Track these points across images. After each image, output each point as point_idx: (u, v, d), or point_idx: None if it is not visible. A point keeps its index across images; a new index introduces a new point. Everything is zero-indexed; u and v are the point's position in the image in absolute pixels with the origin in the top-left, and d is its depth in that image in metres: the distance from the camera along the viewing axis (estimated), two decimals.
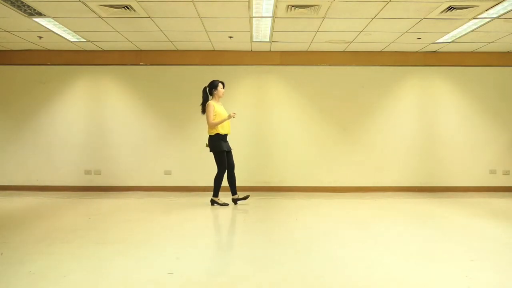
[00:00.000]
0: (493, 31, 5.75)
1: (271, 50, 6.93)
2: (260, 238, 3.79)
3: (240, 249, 3.54)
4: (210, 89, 5.45)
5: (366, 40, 6.27)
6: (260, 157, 7.04)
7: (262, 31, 5.84)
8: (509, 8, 4.78)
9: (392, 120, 7.11)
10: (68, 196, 6.46)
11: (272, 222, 4.56)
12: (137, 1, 4.65)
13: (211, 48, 6.88)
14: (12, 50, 6.96)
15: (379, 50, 6.92)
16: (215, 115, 5.31)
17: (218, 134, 5.34)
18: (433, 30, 5.74)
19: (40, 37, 6.17)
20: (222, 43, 6.55)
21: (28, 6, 4.82)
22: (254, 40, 6.31)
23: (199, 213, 5.07)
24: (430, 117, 7.13)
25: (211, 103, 5.35)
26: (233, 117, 5.32)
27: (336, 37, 6.16)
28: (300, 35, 6.05)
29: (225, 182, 5.44)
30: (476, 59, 7.02)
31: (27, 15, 5.14)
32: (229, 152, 5.47)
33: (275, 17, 5.21)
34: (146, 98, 7.11)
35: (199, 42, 6.45)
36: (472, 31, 5.73)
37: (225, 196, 5.62)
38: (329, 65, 7.07)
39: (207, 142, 5.43)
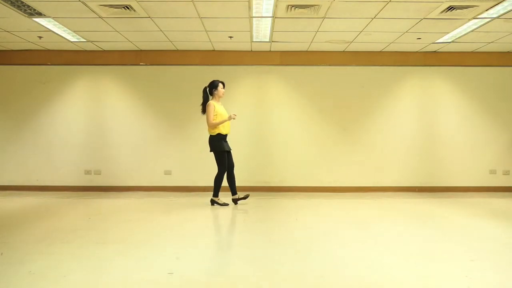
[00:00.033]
0: (493, 31, 5.75)
1: (271, 50, 6.93)
2: (260, 238, 3.79)
3: (240, 249, 3.54)
4: (210, 89, 5.45)
5: (366, 40, 6.27)
6: (260, 157, 7.04)
7: (262, 31, 5.84)
8: (509, 8, 4.78)
9: (392, 120, 7.11)
10: (68, 196, 6.46)
11: (272, 222, 4.56)
12: (137, 1, 4.65)
13: (211, 48, 6.88)
14: (12, 50, 6.96)
15: (379, 50, 6.92)
16: (216, 115, 5.30)
17: (219, 134, 5.34)
18: (433, 30, 5.74)
19: (40, 37, 6.17)
20: (222, 43, 6.55)
21: (28, 6, 4.82)
22: (254, 40, 6.31)
23: (199, 213, 5.07)
24: (430, 117, 7.13)
25: (212, 103, 5.35)
26: (233, 118, 5.32)
27: (336, 37, 6.16)
28: (300, 35, 6.05)
29: (225, 182, 5.44)
30: (476, 59, 7.02)
31: (27, 15, 5.14)
32: (229, 152, 5.47)
33: (275, 17, 5.21)
34: (146, 98, 7.11)
35: (199, 42, 6.45)
36: (472, 31, 5.73)
37: (225, 196, 5.61)
38: (329, 65, 7.07)
39: (208, 141, 5.42)
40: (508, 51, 6.95)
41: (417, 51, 7.00)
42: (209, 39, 6.27)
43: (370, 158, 7.07)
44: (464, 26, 5.55)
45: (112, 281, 2.61)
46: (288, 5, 4.78)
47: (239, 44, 6.56)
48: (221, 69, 6.95)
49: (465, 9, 4.85)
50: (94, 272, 2.78)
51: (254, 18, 5.27)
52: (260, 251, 3.33)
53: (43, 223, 4.42)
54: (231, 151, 5.51)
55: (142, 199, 6.18)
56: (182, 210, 5.26)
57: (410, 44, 6.53)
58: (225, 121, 5.32)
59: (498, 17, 5.11)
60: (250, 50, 6.96)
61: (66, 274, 2.71)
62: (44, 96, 7.10)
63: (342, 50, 6.93)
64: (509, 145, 7.10)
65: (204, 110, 5.42)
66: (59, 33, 5.90)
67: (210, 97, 5.45)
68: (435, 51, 6.99)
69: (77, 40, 6.34)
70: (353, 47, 6.75)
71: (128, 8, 4.85)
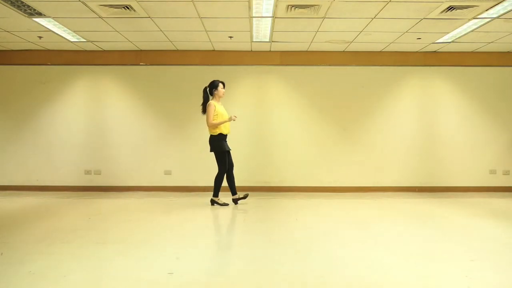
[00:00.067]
0: (493, 31, 5.74)
1: (271, 50, 6.93)
2: (260, 238, 3.80)
3: (240, 249, 3.54)
4: (211, 89, 5.45)
5: (366, 40, 6.27)
6: (260, 157, 7.04)
7: (262, 31, 5.84)
8: (509, 8, 4.78)
9: (392, 120, 7.11)
10: (68, 196, 6.46)
11: (272, 222, 4.56)
12: (137, 1, 4.65)
13: (211, 48, 6.88)
14: (12, 50, 6.96)
15: (379, 50, 6.92)
16: (216, 115, 5.30)
17: (221, 134, 5.35)
18: (433, 30, 5.74)
19: (40, 37, 6.17)
20: (222, 43, 6.55)
21: (28, 6, 4.82)
22: (254, 40, 6.31)
23: (199, 213, 5.07)
24: (430, 117, 7.13)
25: (212, 103, 5.34)
26: (234, 119, 5.32)
27: (336, 37, 6.16)
28: (300, 35, 6.05)
29: (224, 182, 5.44)
30: (476, 59, 7.02)
31: (27, 15, 5.14)
32: (228, 152, 5.47)
33: (275, 17, 5.21)
34: (146, 98, 7.11)
35: (199, 42, 6.45)
36: (472, 31, 5.73)
37: (225, 196, 5.62)
38: (329, 65, 7.07)
39: (208, 141, 5.42)
40: (508, 51, 6.95)
41: (417, 51, 7.00)
42: (209, 39, 6.27)
43: (370, 158, 7.07)
44: (464, 26, 5.55)
45: (112, 281, 2.61)
46: (288, 5, 4.78)
47: (239, 44, 6.56)
48: (221, 69, 6.95)
49: (465, 9, 4.85)
50: (94, 272, 2.78)
51: (254, 18, 5.27)
52: (260, 251, 3.33)
53: (43, 223, 4.42)
54: (230, 151, 5.51)
55: (142, 199, 6.18)
56: (182, 210, 5.26)
57: (410, 44, 6.53)
58: (225, 121, 5.32)
59: (498, 17, 5.11)
60: (250, 50, 6.96)
61: (66, 274, 2.71)
62: (44, 96, 7.10)
63: (342, 50, 6.93)
64: (509, 145, 7.10)
65: (204, 110, 5.41)
66: (59, 33, 5.90)
67: (210, 97, 5.45)
68: (435, 51, 6.99)
69: (77, 40, 6.34)
70: (353, 47, 6.75)
71: (128, 8, 4.85)
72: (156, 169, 7.07)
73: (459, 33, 5.85)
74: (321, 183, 7.03)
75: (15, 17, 5.17)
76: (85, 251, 3.27)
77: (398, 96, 7.12)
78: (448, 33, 5.88)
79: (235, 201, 5.55)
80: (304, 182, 7.03)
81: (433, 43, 6.45)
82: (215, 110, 5.29)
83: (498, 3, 4.63)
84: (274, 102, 7.10)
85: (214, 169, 5.44)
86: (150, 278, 2.65)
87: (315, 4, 4.71)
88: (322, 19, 5.26)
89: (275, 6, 4.78)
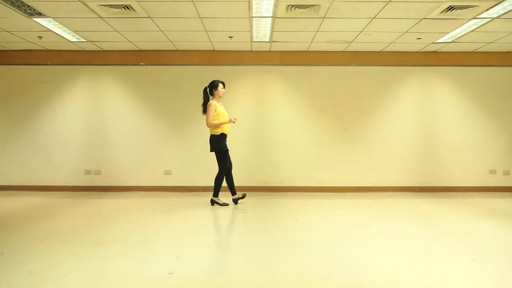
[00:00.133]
0: (493, 31, 5.75)
1: (271, 50, 6.93)
2: (260, 238, 3.79)
3: (240, 249, 3.54)
4: (211, 89, 5.45)
5: (366, 40, 6.27)
6: (260, 157, 7.04)
7: (262, 31, 5.84)
8: (509, 8, 4.78)
9: (392, 120, 7.11)
10: (68, 196, 6.46)
11: (272, 222, 4.56)
12: (137, 1, 4.65)
13: (211, 48, 6.88)
14: (12, 50, 6.96)
15: (379, 50, 6.92)
16: (217, 115, 5.30)
17: (223, 134, 5.35)
18: (433, 30, 5.74)
19: (40, 37, 6.17)
20: (222, 43, 6.55)
21: (28, 6, 4.82)
22: (254, 40, 6.31)
23: (199, 213, 5.07)
24: (430, 117, 7.13)
25: (213, 103, 5.34)
26: (234, 122, 5.32)
27: (336, 37, 6.16)
28: (300, 35, 6.05)
29: (224, 182, 5.44)
30: (476, 59, 7.03)
31: (27, 15, 5.14)
32: (228, 152, 5.47)
33: (275, 17, 5.21)
34: (146, 98, 7.12)
35: (199, 42, 6.45)
36: (472, 31, 5.73)
37: (225, 196, 5.62)
38: (329, 65, 7.07)
39: (209, 141, 5.42)
40: (508, 51, 6.95)
41: (417, 51, 7.00)
42: (209, 39, 6.27)
43: (370, 158, 7.07)
44: (464, 26, 5.55)
45: (112, 281, 2.61)
46: (288, 5, 4.78)
47: (239, 44, 6.56)
48: (221, 69, 6.95)
49: (465, 9, 4.86)
50: (94, 272, 2.78)
51: (254, 18, 5.27)
52: (260, 251, 3.33)
53: (43, 223, 4.42)
54: (229, 151, 5.51)
55: (142, 199, 6.18)
56: (182, 210, 5.26)
57: (410, 44, 6.53)
58: (225, 123, 5.32)
59: (498, 17, 5.11)
60: (250, 50, 6.96)
61: (66, 274, 2.71)
62: (44, 96, 7.10)
63: (342, 50, 6.94)
64: (509, 145, 7.10)
65: (205, 111, 5.41)
66: (59, 33, 5.90)
67: (211, 97, 5.45)
68: (435, 51, 6.99)
69: (77, 40, 6.34)
70: (353, 47, 6.75)
71: (128, 8, 4.85)
72: (156, 169, 7.07)
73: (459, 33, 5.85)
74: (321, 183, 7.03)
75: (15, 17, 5.17)
76: (85, 251, 3.27)
77: (398, 96, 7.13)
78: (448, 33, 5.88)
79: (235, 201, 5.55)
80: (304, 182, 7.03)
81: (433, 43, 6.45)
82: (216, 110, 5.29)
83: (498, 3, 4.63)
84: (274, 102, 7.10)
85: (214, 169, 5.44)
86: (150, 278, 2.65)
87: (315, 4, 4.71)
88: (322, 19, 5.26)
89: (275, 6, 4.79)
